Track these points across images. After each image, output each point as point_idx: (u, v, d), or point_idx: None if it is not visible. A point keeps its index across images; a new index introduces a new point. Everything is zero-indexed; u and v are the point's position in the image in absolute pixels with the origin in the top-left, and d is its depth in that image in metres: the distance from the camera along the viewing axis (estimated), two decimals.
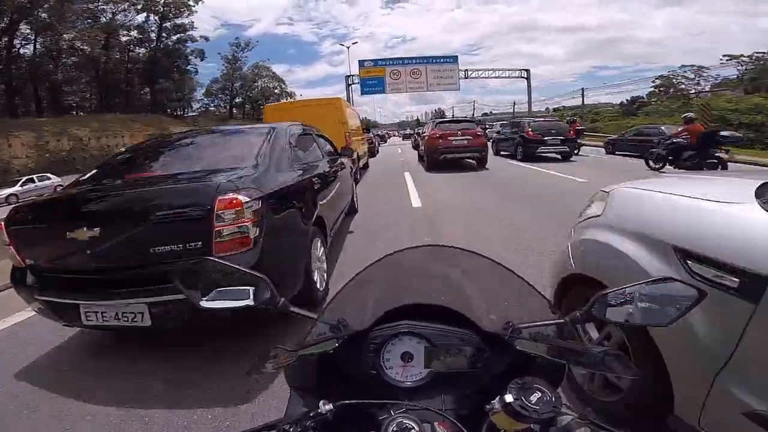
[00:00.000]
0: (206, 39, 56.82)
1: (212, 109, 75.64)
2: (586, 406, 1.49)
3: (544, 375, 0.58)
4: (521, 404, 0.47)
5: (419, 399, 0.61)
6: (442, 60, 34.53)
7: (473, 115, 70.12)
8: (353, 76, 35.47)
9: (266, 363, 0.58)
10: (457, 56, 34.72)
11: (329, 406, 0.53)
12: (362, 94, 34.81)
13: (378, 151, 22.36)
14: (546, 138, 13.25)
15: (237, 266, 0.64)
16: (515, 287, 0.72)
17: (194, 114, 72.11)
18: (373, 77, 34.06)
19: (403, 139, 46.97)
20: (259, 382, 1.91)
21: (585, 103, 37.82)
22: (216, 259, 0.66)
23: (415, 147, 22.57)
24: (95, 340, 2.58)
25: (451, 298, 0.74)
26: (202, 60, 58.56)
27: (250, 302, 0.63)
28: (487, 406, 0.50)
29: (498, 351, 0.66)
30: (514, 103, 61.90)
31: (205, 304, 0.64)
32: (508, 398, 0.48)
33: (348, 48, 40.09)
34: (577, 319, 0.62)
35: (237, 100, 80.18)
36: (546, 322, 0.66)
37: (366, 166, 13.73)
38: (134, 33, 43.93)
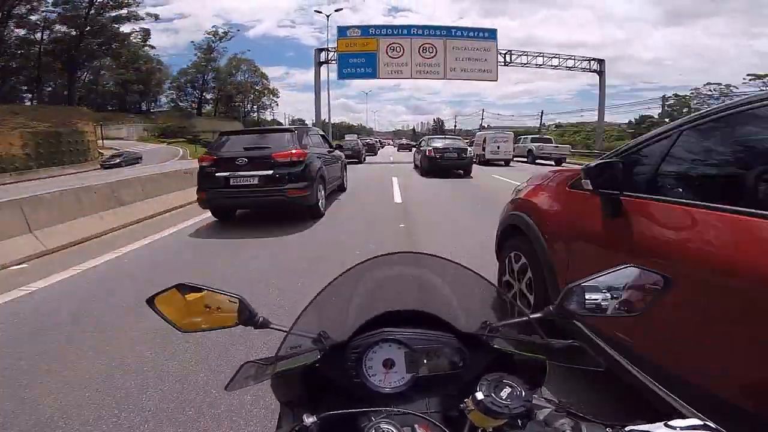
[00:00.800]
0: (155, 17, 45.33)
1: (182, 104, 65.84)
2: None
3: (526, 372, 0.61)
4: (492, 400, 0.48)
5: (403, 404, 0.61)
6: (472, 33, 21.51)
7: (480, 126, 57.31)
8: (328, 50, 22.39)
9: (244, 378, 0.60)
10: (495, 30, 21.75)
11: (312, 419, 0.52)
12: (340, 77, 21.67)
13: (344, 187, 9.03)
14: None
15: (214, 288, 0.65)
16: (486, 290, 0.73)
17: (160, 110, 62.60)
18: (360, 53, 20.99)
19: (398, 150, 38.80)
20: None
21: (584, 122, 31.90)
22: (193, 284, 0.65)
23: (424, 170, 13.46)
24: None
25: (427, 302, 0.74)
26: (145, 42, 47.51)
27: (235, 322, 0.64)
28: (462, 405, 0.51)
29: (477, 351, 0.67)
30: (542, 113, 49.35)
31: (189, 327, 0.65)
32: (479, 395, 0.49)
33: (328, 17, 27.02)
34: (550, 314, 0.63)
35: (209, 96, 69.66)
36: (519, 320, 0.67)
37: None
38: (55, 8, 32.93)
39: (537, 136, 23.69)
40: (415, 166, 16.17)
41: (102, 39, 39.20)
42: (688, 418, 0.42)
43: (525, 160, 20.51)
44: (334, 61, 21.85)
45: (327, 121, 27.89)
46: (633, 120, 45.00)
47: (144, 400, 1.83)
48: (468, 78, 21.65)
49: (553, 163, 19.84)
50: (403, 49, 20.86)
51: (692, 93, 32.61)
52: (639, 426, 0.45)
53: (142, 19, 39.29)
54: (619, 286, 0.60)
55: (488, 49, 21.26)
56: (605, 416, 0.52)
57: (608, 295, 0.60)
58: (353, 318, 0.70)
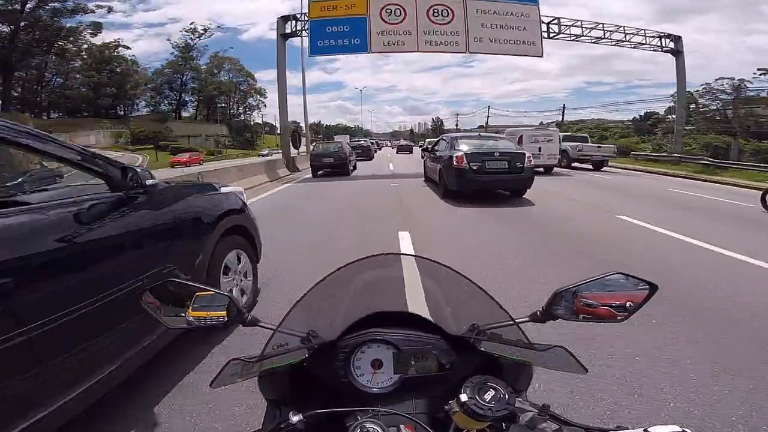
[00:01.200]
0: (109, 9, 39.01)
1: (163, 107, 59.34)
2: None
3: (512, 375, 0.63)
4: (475, 403, 0.48)
5: (390, 404, 0.61)
6: None
7: (485, 125, 51.84)
8: (300, 17, 15.71)
9: (230, 375, 0.60)
10: None
11: (299, 417, 0.52)
12: (313, 53, 14.92)
13: (243, 315, 4.39)
14: None
15: (203, 286, 0.65)
16: (475, 293, 0.72)
17: (139, 114, 56.40)
18: (342, 19, 14.36)
19: (397, 152, 34.41)
20: None
21: (586, 119, 32.14)
22: (181, 281, 0.66)
23: (448, 189, 7.53)
24: None
25: (416, 304, 0.75)
26: (95, 36, 41.19)
27: (224, 319, 0.63)
28: (446, 407, 0.51)
29: (464, 353, 0.67)
30: (564, 107, 43.40)
31: (177, 324, 0.64)
32: (463, 398, 0.49)
33: None
34: (537, 318, 0.63)
35: (189, 97, 63.01)
36: (507, 323, 0.66)
37: None
38: None
39: (570, 134, 17.36)
40: (427, 180, 9.61)
41: (38, 34, 32.61)
42: (668, 424, 0.42)
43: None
44: (306, 32, 15.20)
45: (300, 122, 21.16)
46: (638, 116, 44.87)
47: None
48: (502, 52, 14.99)
49: (591, 167, 14.94)
50: (405, 13, 14.25)
51: (703, 88, 29.22)
52: (620, 431, 0.46)
53: (92, 11, 32.87)
54: (606, 292, 0.61)
55: (527, 15, 14.69)
56: (588, 421, 0.51)
57: (595, 300, 0.61)
58: (342, 318, 0.70)
